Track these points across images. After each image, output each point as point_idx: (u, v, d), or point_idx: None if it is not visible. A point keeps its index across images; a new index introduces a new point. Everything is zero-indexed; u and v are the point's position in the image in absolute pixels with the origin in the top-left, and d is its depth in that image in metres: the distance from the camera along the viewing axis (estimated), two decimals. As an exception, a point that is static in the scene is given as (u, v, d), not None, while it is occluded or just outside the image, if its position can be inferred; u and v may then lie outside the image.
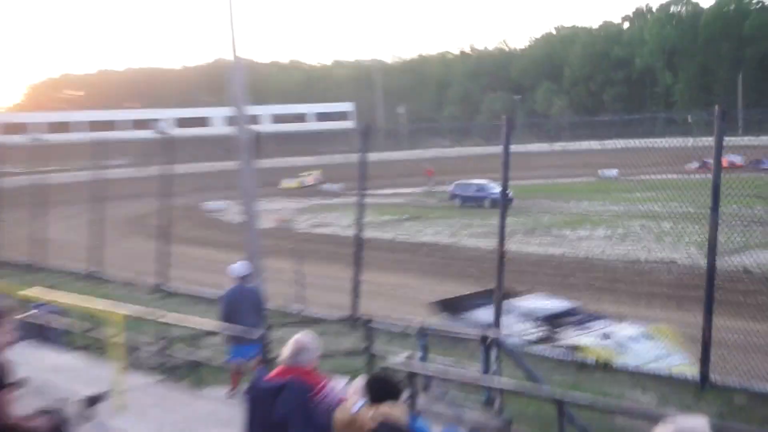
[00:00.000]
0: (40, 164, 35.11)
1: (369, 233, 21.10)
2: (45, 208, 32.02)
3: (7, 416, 5.57)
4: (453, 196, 51.82)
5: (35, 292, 11.71)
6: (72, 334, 15.79)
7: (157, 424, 8.01)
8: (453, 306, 17.90)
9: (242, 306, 13.82)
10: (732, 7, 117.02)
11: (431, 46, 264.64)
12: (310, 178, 79.65)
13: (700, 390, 13.53)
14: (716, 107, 14.27)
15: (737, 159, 63.41)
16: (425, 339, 11.82)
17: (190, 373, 14.23)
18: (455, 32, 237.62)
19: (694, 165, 20.20)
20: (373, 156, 21.20)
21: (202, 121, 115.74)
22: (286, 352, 7.40)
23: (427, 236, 37.19)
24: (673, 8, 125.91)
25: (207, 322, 14.56)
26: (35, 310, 15.33)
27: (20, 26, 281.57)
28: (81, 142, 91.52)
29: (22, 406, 5.83)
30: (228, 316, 13.68)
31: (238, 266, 14.33)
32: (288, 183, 77.13)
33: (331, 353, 13.30)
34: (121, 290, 24.73)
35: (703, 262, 14.37)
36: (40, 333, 15.04)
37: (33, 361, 10.28)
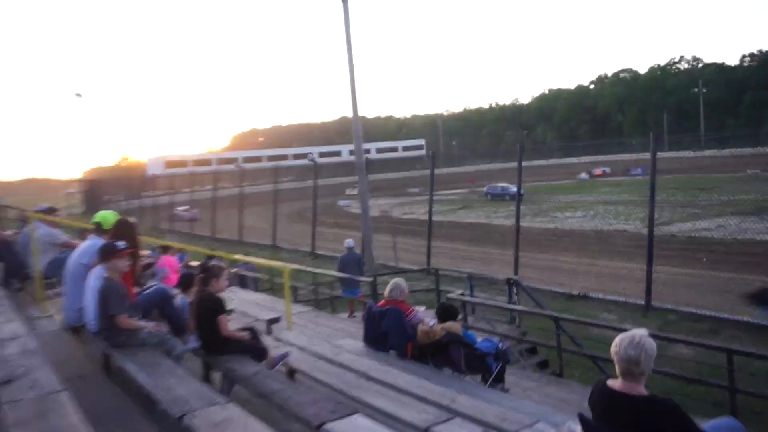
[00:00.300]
0: (240, 182, 35.89)
1: (436, 217, 20.84)
2: (243, 208, 32.72)
3: (226, 331, 5.65)
4: (486, 194, 51.18)
5: (238, 256, 11.88)
6: (260, 281, 15.96)
7: (310, 335, 8.05)
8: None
9: (350, 265, 14.07)
10: (659, 72, 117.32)
11: (471, 102, 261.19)
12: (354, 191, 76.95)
13: (645, 312, 13.16)
14: (651, 133, 14.25)
15: (607, 170, 62.48)
16: (472, 281, 11.68)
17: (328, 305, 14.33)
18: (485, 91, 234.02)
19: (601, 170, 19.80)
20: (438, 171, 20.99)
21: (335, 153, 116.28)
22: (387, 290, 7.39)
23: (470, 218, 36.65)
24: (621, 74, 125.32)
25: (334, 273, 14.61)
26: (238, 268, 15.64)
27: (222, 90, 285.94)
28: (264, 168, 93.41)
29: (233, 325, 5.92)
30: (341, 271, 14.01)
31: (348, 241, 14.70)
32: (350, 191, 74.56)
33: (414, 291, 13.28)
34: (289, 254, 24.99)
35: (644, 230, 14.06)
36: (241, 282, 15.17)
37: (237, 298, 10.43)
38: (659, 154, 13.92)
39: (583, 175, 60.05)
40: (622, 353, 3.46)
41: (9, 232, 8.87)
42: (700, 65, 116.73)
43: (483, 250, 21.62)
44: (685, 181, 33.62)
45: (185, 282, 6.60)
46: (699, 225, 23.24)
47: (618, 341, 3.53)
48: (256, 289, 15.69)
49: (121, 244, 5.34)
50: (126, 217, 6.29)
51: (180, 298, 6.31)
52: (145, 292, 5.99)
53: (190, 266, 11.28)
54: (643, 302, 13.44)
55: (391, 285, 7.30)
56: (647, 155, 13.92)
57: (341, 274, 13.99)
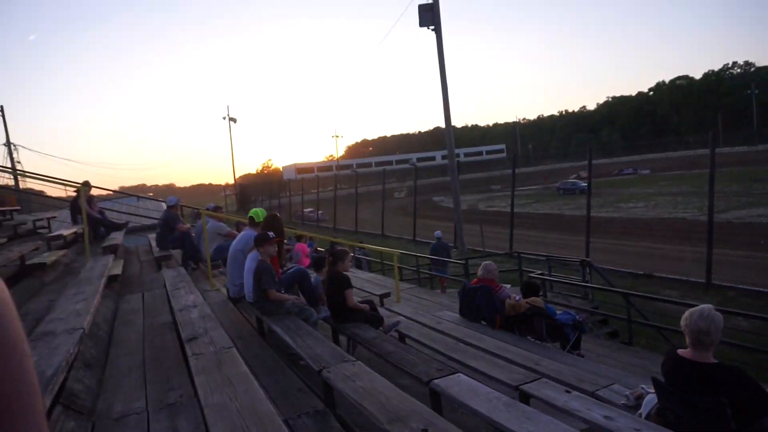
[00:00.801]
0: (355, 184, 36.42)
1: (516, 209, 20.16)
2: (357, 204, 33.19)
3: (351, 302, 5.71)
4: (558, 189, 48.98)
5: (355, 242, 12.06)
6: (373, 263, 15.99)
7: (415, 307, 8.06)
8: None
9: (438, 251, 13.87)
10: (713, 78, 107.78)
11: (543, 109, 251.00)
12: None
13: (705, 289, 12.19)
14: (710, 132, 13.09)
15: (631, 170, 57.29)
16: (550, 263, 11.26)
17: (427, 282, 14.24)
18: (556, 99, 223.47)
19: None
20: (516, 171, 20.33)
21: (430, 158, 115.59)
22: (479, 270, 7.25)
23: (545, 209, 35.30)
24: (677, 81, 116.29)
25: (429, 256, 14.41)
26: (354, 252, 15.80)
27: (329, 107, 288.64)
28: (373, 172, 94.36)
29: (355, 298, 6.01)
30: (433, 256, 13.80)
31: (437, 233, 14.56)
32: (397, 195, 74.25)
33: (501, 271, 12.84)
34: (395, 241, 25.02)
35: (702, 218, 13.01)
36: (357, 264, 14.83)
37: (355, 277, 10.70)
38: (717, 150, 12.84)
39: (642, 171, 56.81)
40: (693, 325, 3.29)
41: (186, 226, 9.47)
42: (752, 69, 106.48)
43: (558, 237, 20.83)
44: (739, 173, 30.83)
45: (318, 263, 6.73)
46: (754, 212, 21.25)
47: (688, 315, 3.34)
48: (370, 270, 15.94)
49: (271, 234, 5.54)
50: (274, 213, 6.51)
51: (314, 277, 6.47)
52: (288, 272, 6.17)
53: (319, 250, 11.59)
54: (703, 281, 12.45)
55: (482, 266, 7.18)
56: (705, 151, 12.89)
57: (434, 257, 13.95)
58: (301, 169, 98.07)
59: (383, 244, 22.27)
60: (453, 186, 20.30)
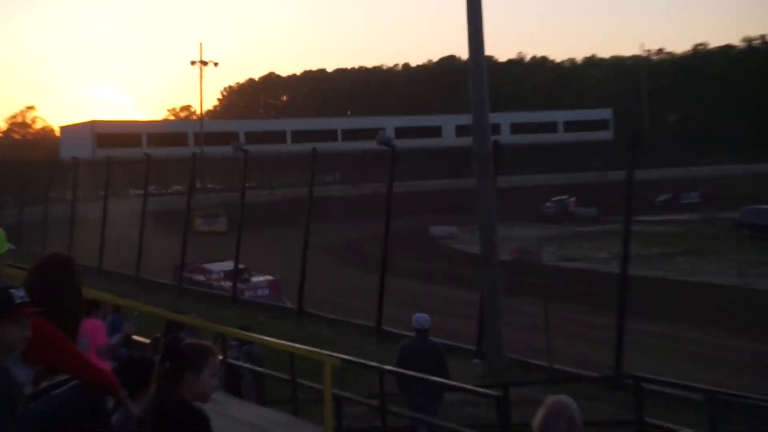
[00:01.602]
0: (237, 179, 36.93)
1: (634, 270, 20.48)
2: (248, 230, 33.45)
3: None
4: (740, 225, 49.99)
5: (227, 329, 12.03)
6: (274, 380, 16.37)
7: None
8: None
9: (417, 361, 14.49)
10: None
11: (709, 37, 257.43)
12: None
13: None
14: None
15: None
16: (715, 409, 11.31)
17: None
18: (736, 22, 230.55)
19: None
20: (640, 174, 20.62)
21: (427, 131, 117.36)
22: (538, 419, 7.15)
23: (707, 275, 36.03)
24: None
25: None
26: (227, 349, 15.86)
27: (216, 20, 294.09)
28: (287, 152, 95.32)
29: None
30: (406, 371, 14.35)
31: (419, 317, 15.13)
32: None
33: (590, 422, 12.96)
34: (330, 331, 25.40)
35: None
36: (230, 382, 16.33)
37: (224, 417, 10.59)
38: None
39: None
40: None
41: None
42: None
43: (737, 343, 21.22)
44: None
45: (133, 376, 6.60)
46: None
47: None
48: (261, 400, 16.24)
49: (18, 295, 5.43)
50: (57, 253, 7.06)
51: (116, 416, 6.43)
52: (49, 397, 6.17)
53: (134, 341, 11.07)
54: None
55: (547, 409, 7.07)
56: None
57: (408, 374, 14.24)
58: (107, 136, 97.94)
59: (300, 332, 22.15)
60: (483, 202, 20.45)
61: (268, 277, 36.73)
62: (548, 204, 73.49)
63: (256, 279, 37.29)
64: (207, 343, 6.34)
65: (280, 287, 35.54)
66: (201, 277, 38.34)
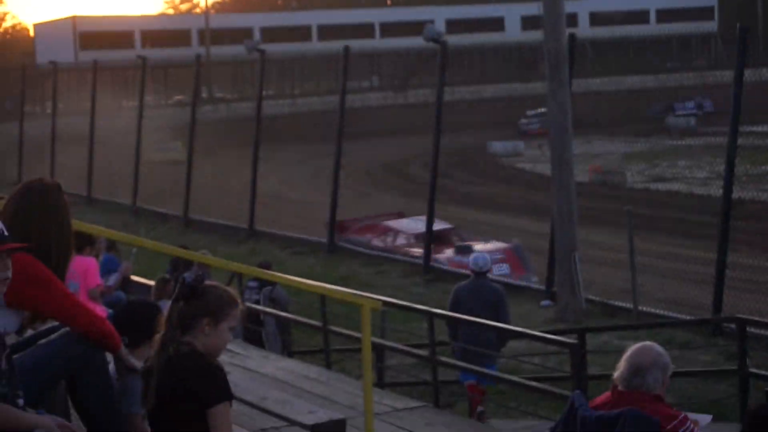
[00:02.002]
0: (249, 87, 36.74)
1: (739, 192, 20.40)
2: (266, 148, 33.54)
3: None
4: None
5: (241, 266, 12.15)
6: (299, 329, 16.74)
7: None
8: None
9: (472, 304, 14.79)
10: None
11: None
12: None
13: None
14: None
15: None
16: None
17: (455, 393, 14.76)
18: None
19: None
20: (752, 75, 20.49)
21: (486, 24, 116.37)
22: (620, 369, 7.29)
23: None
24: None
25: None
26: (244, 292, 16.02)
27: None
28: (312, 54, 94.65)
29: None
30: (455, 321, 14.79)
31: (477, 258, 15.90)
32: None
33: (684, 374, 13.02)
34: (368, 267, 25.41)
35: None
36: (250, 331, 16.52)
37: (244, 370, 10.68)
38: None
39: None
40: None
41: None
42: None
43: None
44: None
45: (133, 325, 6.83)
46: None
47: None
48: (287, 350, 16.61)
49: None
50: (40, 179, 6.96)
51: (111, 365, 6.57)
52: (33, 347, 6.29)
53: (133, 283, 11.22)
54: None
55: (630, 358, 7.22)
56: None
57: (463, 319, 14.52)
58: (92, 35, 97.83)
59: (332, 271, 22.19)
60: (553, 112, 20.45)
61: (501, 245, 29.09)
62: (524, 120, 71.00)
63: (482, 246, 28.14)
64: (232, 290, 6.44)
65: (523, 259, 28.06)
66: (378, 241, 31.53)
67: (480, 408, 14.28)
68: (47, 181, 7.03)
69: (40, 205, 6.67)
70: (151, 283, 14.49)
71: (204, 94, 70.46)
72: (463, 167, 46.23)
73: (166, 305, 6.29)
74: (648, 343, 7.51)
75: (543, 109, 54.44)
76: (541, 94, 21.09)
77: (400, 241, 30.68)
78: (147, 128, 40.53)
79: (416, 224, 30.47)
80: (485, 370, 14.19)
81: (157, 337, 6.14)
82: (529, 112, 68.38)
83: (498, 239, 29.43)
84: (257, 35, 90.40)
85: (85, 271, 11.21)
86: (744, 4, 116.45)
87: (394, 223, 32.33)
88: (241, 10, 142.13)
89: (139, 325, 6.88)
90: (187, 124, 37.74)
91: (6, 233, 5.64)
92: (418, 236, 29.76)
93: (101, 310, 10.01)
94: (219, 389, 5.87)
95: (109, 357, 6.54)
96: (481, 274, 15.22)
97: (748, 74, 19.95)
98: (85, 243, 11.58)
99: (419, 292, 23.20)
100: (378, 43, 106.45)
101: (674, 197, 37.44)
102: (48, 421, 5.32)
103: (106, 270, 13.70)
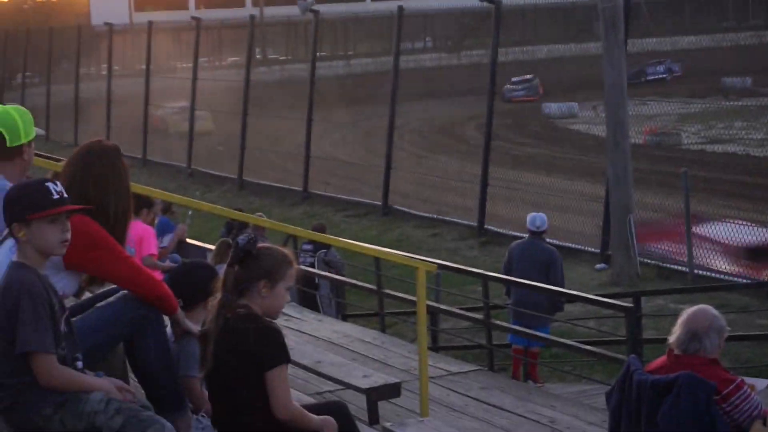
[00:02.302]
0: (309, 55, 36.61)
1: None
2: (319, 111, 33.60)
3: (286, 408, 5.82)
4: None
5: (297, 230, 12.25)
6: (353, 293, 17.20)
7: None
8: None
9: (527, 266, 15.12)
10: None
11: None
12: None
13: None
14: None
15: None
16: None
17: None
18: None
19: None
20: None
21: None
22: (676, 334, 7.29)
23: None
24: None
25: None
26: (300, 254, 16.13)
27: None
28: (365, 15, 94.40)
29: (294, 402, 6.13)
30: (518, 279, 14.83)
31: (535, 217, 16.03)
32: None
33: (741, 337, 12.99)
34: (424, 229, 25.49)
35: None
36: (303, 293, 16.55)
37: (299, 333, 10.79)
38: None
39: None
40: None
41: None
42: None
43: None
44: None
45: (190, 288, 6.89)
46: None
47: None
48: (342, 313, 16.80)
49: (55, 189, 5.57)
50: (99, 141, 6.96)
51: (168, 329, 6.63)
52: (92, 310, 6.35)
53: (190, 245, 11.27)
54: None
55: (686, 322, 7.23)
56: None
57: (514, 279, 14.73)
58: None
59: (386, 233, 22.20)
60: (609, 71, 20.40)
61: None
62: (508, 86, 68.90)
63: None
64: (286, 250, 6.47)
65: None
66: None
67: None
68: (106, 143, 7.06)
69: (99, 168, 6.68)
70: (208, 246, 14.57)
71: (258, 56, 70.53)
72: (516, 129, 46.02)
73: (223, 269, 6.35)
74: (703, 306, 7.52)
75: (528, 76, 53.85)
76: (596, 54, 20.93)
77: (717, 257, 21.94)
78: (202, 90, 40.76)
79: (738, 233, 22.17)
80: (535, 332, 14.27)
81: (214, 301, 6.23)
82: (515, 79, 66.44)
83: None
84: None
85: (140, 238, 11.30)
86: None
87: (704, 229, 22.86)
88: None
89: (195, 287, 6.93)
90: (241, 85, 37.83)
91: (66, 195, 5.69)
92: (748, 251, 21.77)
93: (158, 274, 10.10)
94: (277, 351, 5.96)
95: (166, 320, 6.58)
96: (536, 234, 15.43)
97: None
98: (142, 205, 11.67)
99: (473, 255, 23.25)
100: (432, 2, 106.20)
101: (731, 158, 37.20)
102: (107, 383, 5.38)
103: (162, 232, 13.82)
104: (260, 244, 6.33)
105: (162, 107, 44.18)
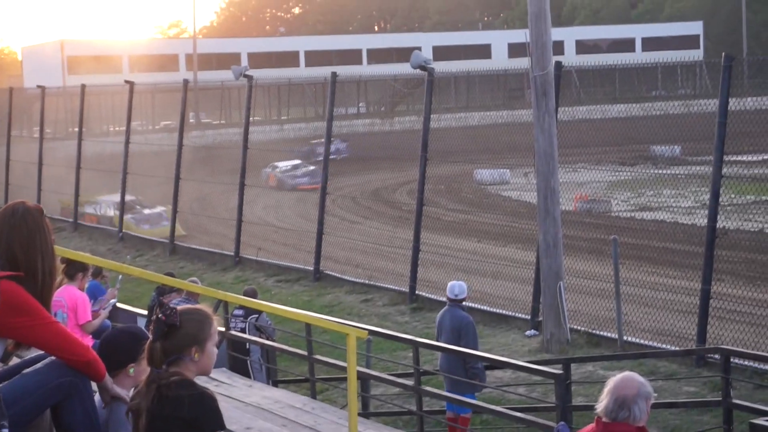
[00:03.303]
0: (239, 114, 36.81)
1: (725, 221, 20.47)
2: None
3: None
4: None
5: (209, 291, 12.20)
6: (285, 359, 16.49)
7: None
8: None
9: (445, 334, 15.47)
10: None
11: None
12: None
13: None
14: None
15: None
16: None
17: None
18: None
19: None
20: (735, 103, 20.57)
21: (473, 51, 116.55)
22: (603, 402, 7.32)
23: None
24: None
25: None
26: (230, 320, 15.99)
27: None
28: (299, 80, 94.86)
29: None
30: (444, 345, 15.18)
31: (455, 285, 16.09)
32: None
33: (668, 404, 13.02)
34: (352, 296, 25.35)
35: None
36: (232, 360, 16.03)
37: (230, 399, 10.78)
38: None
39: None
40: None
41: None
42: None
43: None
44: None
45: (120, 355, 6.75)
46: None
47: None
48: (270, 378, 16.64)
49: None
50: (21, 202, 6.77)
51: (98, 396, 6.52)
52: (18, 376, 6.28)
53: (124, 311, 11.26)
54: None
55: (613, 390, 7.26)
56: None
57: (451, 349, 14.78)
58: (80, 59, 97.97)
59: (317, 299, 22.12)
60: (540, 140, 20.55)
61: None
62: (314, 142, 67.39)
63: None
64: (202, 308, 6.42)
65: None
66: None
67: None
68: (29, 204, 6.88)
69: (25, 229, 6.57)
70: (138, 310, 14.50)
71: (191, 119, 70.52)
72: (449, 195, 46.24)
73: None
74: (628, 373, 7.55)
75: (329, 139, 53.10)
76: (527, 121, 21.03)
77: None
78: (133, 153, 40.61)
79: None
80: (462, 398, 14.32)
81: (143, 375, 6.16)
82: (314, 141, 63.49)
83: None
84: (244, 60, 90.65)
85: (75, 305, 11.18)
86: (723, 33, 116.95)
87: None
88: (229, 35, 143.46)
89: (125, 355, 6.86)
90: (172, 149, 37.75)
91: None
92: None
93: (87, 340, 9.99)
94: (213, 419, 5.90)
95: (95, 386, 6.46)
96: (455, 302, 15.71)
97: (733, 103, 20.02)
98: (77, 269, 11.56)
99: (405, 321, 23.26)
100: (365, 69, 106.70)
101: (659, 226, 37.52)
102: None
103: (92, 296, 13.75)
104: (179, 307, 6.24)
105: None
